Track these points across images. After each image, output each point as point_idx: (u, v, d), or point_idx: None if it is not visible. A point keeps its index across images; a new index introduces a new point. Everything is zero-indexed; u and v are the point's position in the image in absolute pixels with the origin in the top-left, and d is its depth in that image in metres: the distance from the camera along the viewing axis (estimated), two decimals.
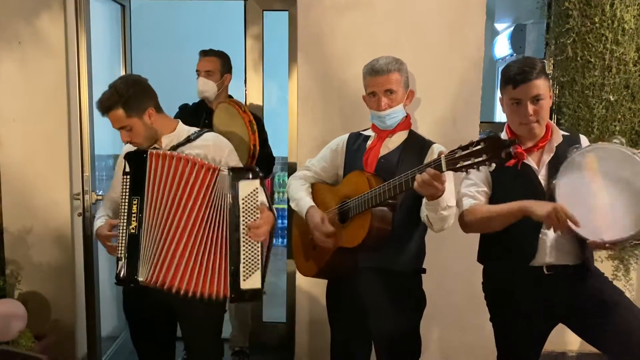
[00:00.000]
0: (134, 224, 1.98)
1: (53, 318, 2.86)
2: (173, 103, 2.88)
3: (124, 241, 1.99)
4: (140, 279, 1.97)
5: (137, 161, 2.00)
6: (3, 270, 2.82)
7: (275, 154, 3.11)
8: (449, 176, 1.93)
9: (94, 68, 2.75)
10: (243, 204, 1.96)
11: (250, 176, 1.98)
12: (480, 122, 2.75)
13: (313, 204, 2.14)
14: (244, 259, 1.96)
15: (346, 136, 2.21)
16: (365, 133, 2.18)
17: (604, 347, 1.96)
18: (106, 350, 3.04)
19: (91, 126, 2.72)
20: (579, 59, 2.61)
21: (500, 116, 4.92)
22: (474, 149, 1.57)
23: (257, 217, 1.96)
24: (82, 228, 2.75)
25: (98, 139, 2.83)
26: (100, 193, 2.73)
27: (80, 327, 2.86)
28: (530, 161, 1.96)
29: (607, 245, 1.78)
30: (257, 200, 1.97)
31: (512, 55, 4.35)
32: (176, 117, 3.03)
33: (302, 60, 2.72)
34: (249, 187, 1.97)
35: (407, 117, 2.12)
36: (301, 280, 2.83)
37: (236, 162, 2.17)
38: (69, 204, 2.83)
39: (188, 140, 2.12)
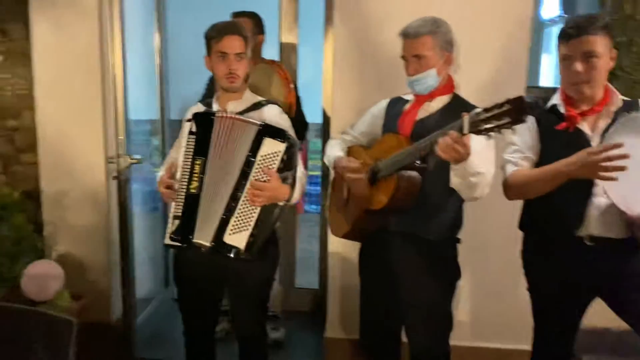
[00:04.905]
0: (194, 184, 1.97)
1: (89, 279, 2.91)
2: None
3: (182, 200, 1.98)
4: (195, 240, 1.97)
5: (204, 122, 1.98)
6: (41, 232, 2.87)
7: (310, 120, 3.04)
8: (488, 144, 1.85)
9: (126, 30, 2.71)
10: (260, 161, 1.93)
11: (278, 137, 1.93)
12: (528, 87, 2.60)
13: (342, 155, 2.13)
14: (238, 213, 1.94)
15: (387, 100, 2.16)
16: (406, 97, 2.11)
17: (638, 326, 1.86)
18: (141, 312, 3.09)
19: (125, 89, 2.70)
20: (637, 17, 2.41)
21: (545, 81, 4.70)
22: (498, 111, 1.46)
23: (266, 181, 1.92)
24: (117, 191, 2.77)
25: (134, 103, 2.80)
26: (137, 157, 2.72)
27: (116, 288, 2.90)
28: (585, 126, 1.84)
29: None
30: (273, 165, 1.93)
31: (562, 16, 4.10)
32: (209, 81, 3.01)
33: (338, 21, 2.61)
34: (271, 147, 1.93)
35: (449, 80, 2.02)
36: (334, 245, 2.78)
37: None
38: (104, 167, 2.83)
39: (257, 106, 2.10)
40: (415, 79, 1.94)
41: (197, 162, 1.97)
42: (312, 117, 3.09)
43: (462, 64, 2.55)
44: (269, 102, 2.15)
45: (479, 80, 2.56)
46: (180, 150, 2.02)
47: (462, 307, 2.81)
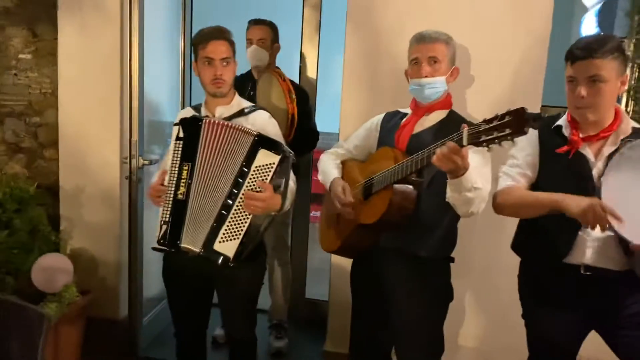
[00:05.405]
0: (182, 189, 1.97)
1: (100, 276, 2.98)
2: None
3: (170, 206, 1.99)
4: (183, 245, 1.98)
5: (191, 127, 1.98)
6: (57, 226, 2.97)
7: (331, 130, 3.02)
8: (486, 160, 1.80)
9: (151, 36, 2.77)
10: (253, 172, 1.91)
11: (273, 149, 1.92)
12: (542, 106, 2.50)
13: (338, 176, 2.10)
14: (229, 222, 1.93)
15: (382, 115, 2.13)
16: (403, 111, 2.08)
17: None
18: (149, 311, 3.13)
19: (141, 92, 2.77)
20: None
21: None
22: (499, 122, 1.43)
23: (259, 191, 1.91)
24: (129, 191, 2.84)
25: (165, 106, 2.86)
26: (149, 158, 2.77)
27: (124, 286, 2.96)
28: (587, 151, 1.75)
29: None
30: (267, 176, 1.91)
31: (599, 34, 3.94)
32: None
33: (350, 32, 2.59)
34: (266, 159, 1.91)
35: (448, 95, 1.98)
36: (337, 257, 2.74)
37: None
38: (118, 167, 2.90)
39: (241, 113, 2.10)
40: (428, 82, 1.91)
41: (185, 168, 1.97)
42: (335, 127, 3.06)
43: (476, 79, 2.50)
44: (257, 107, 2.14)
45: (493, 96, 2.49)
46: (168, 156, 2.03)
47: (466, 331, 2.72)
